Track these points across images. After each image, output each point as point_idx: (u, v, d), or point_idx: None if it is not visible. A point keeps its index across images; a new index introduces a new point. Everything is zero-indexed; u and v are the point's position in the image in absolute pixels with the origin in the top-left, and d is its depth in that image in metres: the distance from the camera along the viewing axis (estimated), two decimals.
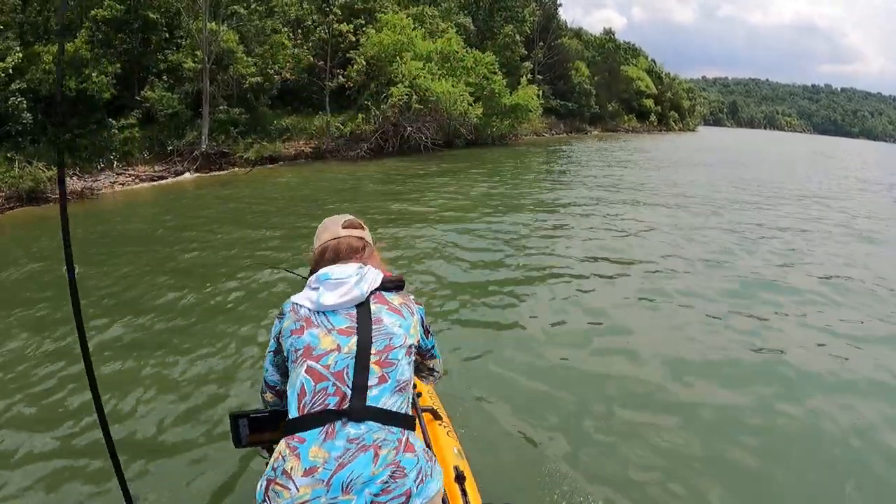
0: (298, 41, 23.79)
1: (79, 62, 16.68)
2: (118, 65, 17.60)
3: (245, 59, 20.73)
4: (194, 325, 5.81)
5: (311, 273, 1.80)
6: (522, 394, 4.45)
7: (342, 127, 23.80)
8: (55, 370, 4.69)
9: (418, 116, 24.93)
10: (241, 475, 3.34)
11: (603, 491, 3.32)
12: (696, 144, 45.65)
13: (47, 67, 15.84)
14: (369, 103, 24.37)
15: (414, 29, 26.95)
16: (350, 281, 1.68)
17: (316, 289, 1.69)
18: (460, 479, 2.16)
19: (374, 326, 1.63)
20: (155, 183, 17.26)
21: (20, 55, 13.61)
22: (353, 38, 25.25)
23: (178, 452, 3.64)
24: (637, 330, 5.84)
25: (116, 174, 16.72)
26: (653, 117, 63.36)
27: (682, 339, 5.72)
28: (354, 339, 1.60)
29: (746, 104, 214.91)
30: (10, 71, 13.48)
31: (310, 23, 24.69)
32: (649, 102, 62.74)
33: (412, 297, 1.82)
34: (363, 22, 26.51)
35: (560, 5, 48.01)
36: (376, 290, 1.71)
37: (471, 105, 26.96)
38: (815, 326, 6.21)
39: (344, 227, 1.87)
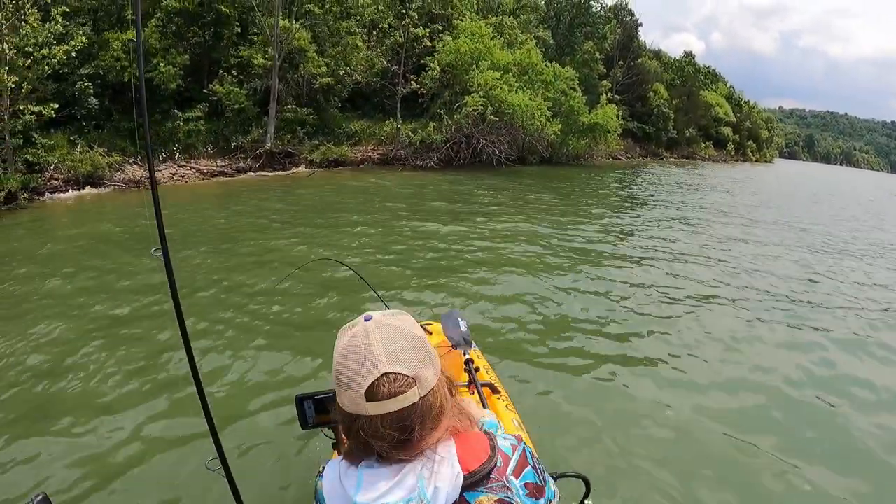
0: (373, 43, 22.79)
1: (146, 51, 16.20)
2: (186, 56, 16.99)
3: (316, 59, 19.86)
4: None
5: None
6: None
7: (413, 135, 22.61)
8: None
9: (492, 129, 23.49)
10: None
11: None
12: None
13: (116, 55, 15.39)
14: (442, 112, 23.12)
15: (492, 38, 25.61)
16: None
17: None
18: None
19: None
20: (216, 178, 16.47)
21: (83, 39, 13.05)
22: (429, 44, 24.13)
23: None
24: None
25: (178, 165, 16.00)
26: (730, 146, 60.09)
27: None
28: None
29: (823, 138, 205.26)
30: (74, 54, 12.91)
31: (385, 25, 23.67)
32: (727, 130, 59.51)
33: (511, 461, 1.15)
34: (440, 28, 25.43)
35: (641, 24, 46.06)
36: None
37: (548, 120, 25.31)
38: None
39: (369, 399, 1.04)
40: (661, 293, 7.52)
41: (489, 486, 1.11)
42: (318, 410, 1.73)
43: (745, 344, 5.95)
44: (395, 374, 1.05)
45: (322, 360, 4.71)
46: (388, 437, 1.06)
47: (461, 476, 1.07)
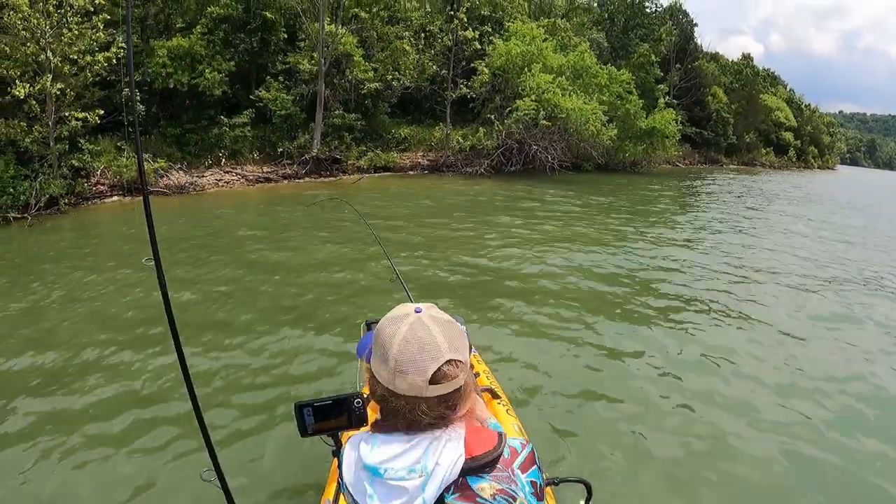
0: (421, 47, 22.11)
1: (192, 58, 15.93)
2: (232, 63, 16.64)
3: (363, 63, 19.29)
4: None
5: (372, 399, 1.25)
6: None
7: (463, 140, 21.81)
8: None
9: (545, 134, 22.46)
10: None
11: None
12: None
13: (162, 61, 15.20)
14: (493, 117, 22.24)
15: (545, 40, 24.60)
16: (410, 484, 1.10)
17: (362, 474, 1.17)
18: None
19: None
20: (260, 185, 16.06)
21: (123, 46, 12.80)
22: (479, 47, 23.31)
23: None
24: None
25: (224, 172, 15.67)
26: (791, 152, 57.16)
27: None
28: None
29: (885, 143, 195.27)
30: (115, 61, 12.67)
31: (434, 29, 22.96)
32: (789, 136, 56.65)
33: (520, 456, 1.20)
34: (490, 30, 24.61)
35: (696, 25, 44.24)
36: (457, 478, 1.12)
37: (604, 125, 24.08)
38: None
39: (432, 383, 1.12)
40: None
41: (494, 473, 1.14)
42: (317, 418, 1.64)
43: None
44: (455, 360, 1.14)
45: (322, 365, 4.66)
46: (438, 412, 1.13)
47: (462, 459, 1.11)
